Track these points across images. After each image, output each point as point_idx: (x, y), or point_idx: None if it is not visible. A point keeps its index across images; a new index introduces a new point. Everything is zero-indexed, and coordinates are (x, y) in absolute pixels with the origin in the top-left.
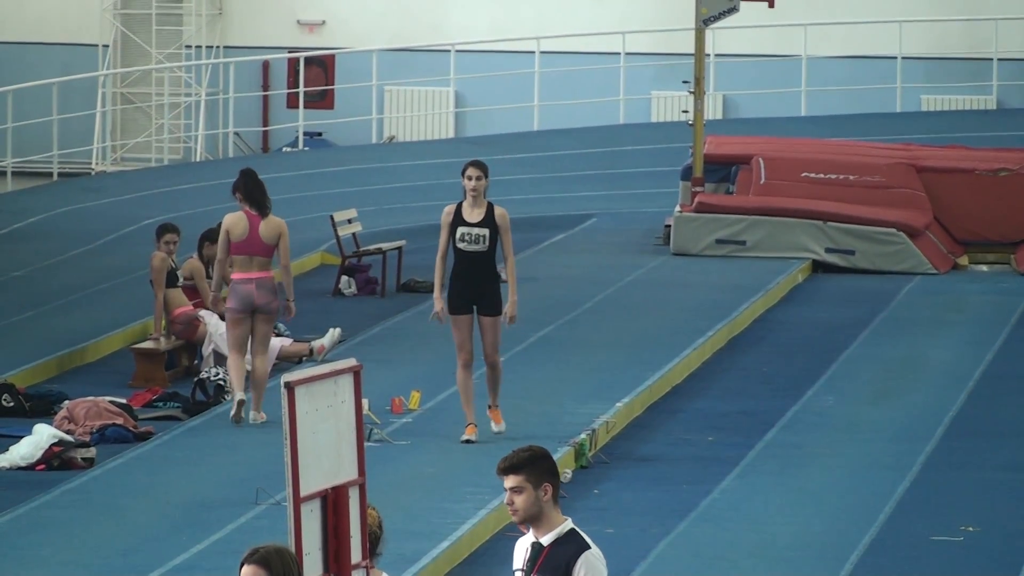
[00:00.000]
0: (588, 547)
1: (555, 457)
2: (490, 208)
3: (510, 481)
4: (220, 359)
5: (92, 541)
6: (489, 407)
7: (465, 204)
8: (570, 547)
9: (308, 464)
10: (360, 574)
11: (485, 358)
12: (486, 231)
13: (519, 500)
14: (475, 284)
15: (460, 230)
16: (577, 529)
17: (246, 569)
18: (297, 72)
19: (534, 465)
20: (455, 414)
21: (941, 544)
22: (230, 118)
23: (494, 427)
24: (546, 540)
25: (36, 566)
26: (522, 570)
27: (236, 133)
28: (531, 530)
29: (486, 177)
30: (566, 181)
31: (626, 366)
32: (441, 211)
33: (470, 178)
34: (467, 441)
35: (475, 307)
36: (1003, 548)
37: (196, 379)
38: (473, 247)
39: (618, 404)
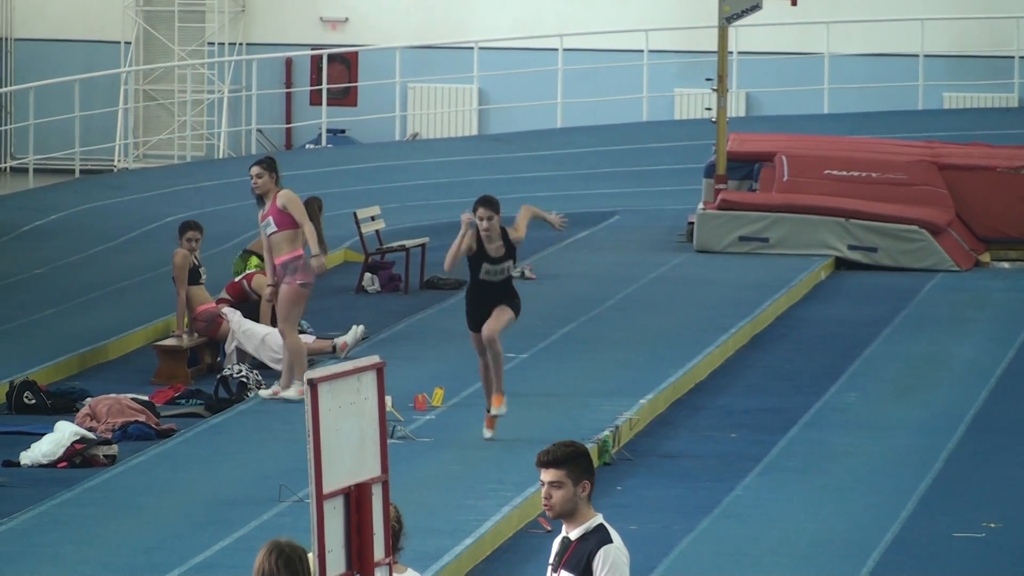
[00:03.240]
0: (610, 541)
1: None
2: (505, 237)
3: (549, 475)
4: (243, 356)
5: (114, 539)
6: (493, 392)
7: (482, 237)
8: (592, 541)
9: (331, 461)
10: (383, 571)
11: (484, 340)
12: (509, 262)
13: (557, 495)
14: (493, 303)
15: (484, 266)
16: (606, 524)
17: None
18: (320, 69)
19: (576, 462)
20: (479, 412)
21: (963, 541)
22: (253, 115)
23: (493, 409)
24: (574, 535)
25: (57, 564)
26: (552, 565)
27: (259, 130)
28: (564, 526)
29: (497, 214)
30: (589, 178)
31: (649, 363)
32: (463, 208)
33: (481, 219)
34: (494, 417)
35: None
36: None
37: (219, 376)
38: (497, 278)
39: (641, 401)
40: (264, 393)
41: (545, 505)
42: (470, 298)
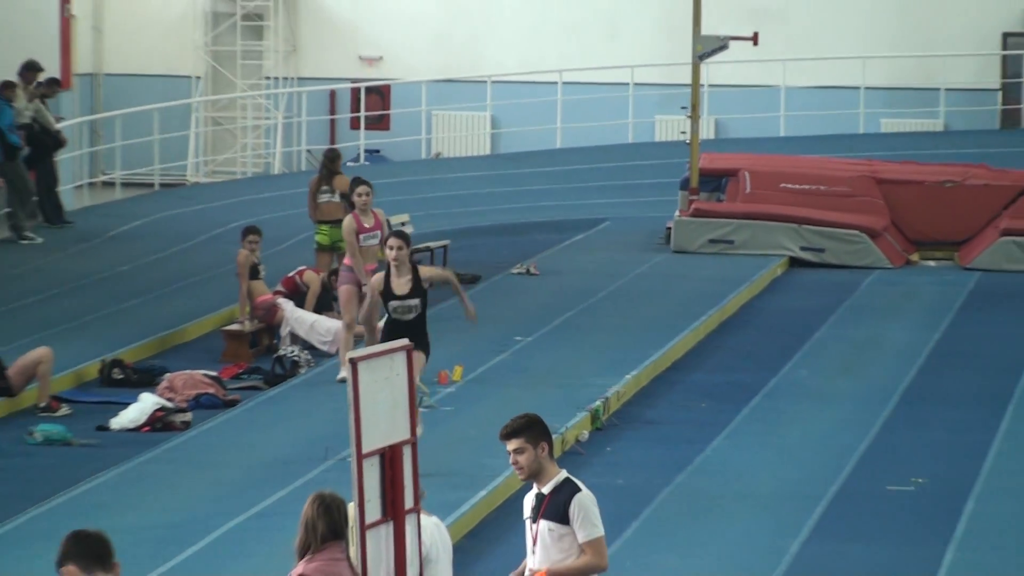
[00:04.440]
0: (579, 490)
1: (574, 421)
2: (415, 274)
3: (512, 444)
4: (295, 339)
5: (188, 491)
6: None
7: (392, 272)
8: (565, 492)
9: (369, 427)
10: (412, 518)
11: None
12: (417, 301)
13: (522, 459)
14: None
15: (392, 303)
16: (572, 478)
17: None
18: (359, 99)
19: (531, 429)
20: (492, 387)
21: (896, 493)
22: (303, 138)
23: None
24: (546, 489)
25: (142, 512)
26: (530, 517)
27: (308, 150)
28: (534, 484)
29: (408, 246)
30: (583, 191)
31: (634, 344)
32: (479, 216)
33: (395, 247)
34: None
35: None
36: (947, 496)
37: (275, 356)
38: (406, 316)
39: (627, 376)
40: (339, 378)
41: (516, 470)
42: (384, 335)
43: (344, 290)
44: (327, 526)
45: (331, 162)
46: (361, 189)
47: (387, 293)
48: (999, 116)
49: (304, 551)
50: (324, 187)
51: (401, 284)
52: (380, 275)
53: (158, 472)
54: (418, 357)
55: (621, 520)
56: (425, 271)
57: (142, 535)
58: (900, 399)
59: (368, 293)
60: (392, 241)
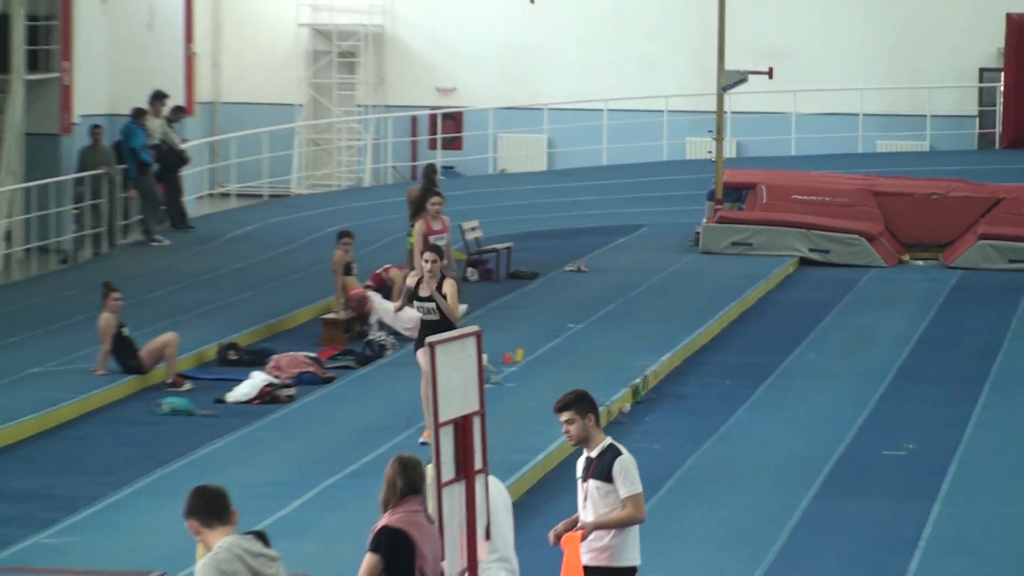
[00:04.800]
0: (621, 454)
1: (616, 397)
2: (441, 283)
3: (564, 416)
4: (383, 326)
5: (292, 454)
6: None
7: (425, 279)
8: (609, 456)
9: (445, 400)
10: (481, 477)
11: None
12: (432, 305)
13: (572, 428)
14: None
15: (416, 303)
16: (615, 443)
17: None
18: (436, 124)
19: (579, 402)
20: (547, 366)
21: (889, 457)
22: (388, 156)
23: (424, 439)
24: (594, 454)
25: (254, 471)
26: (581, 477)
27: (393, 167)
28: (584, 449)
29: (441, 261)
30: (625, 201)
31: (668, 331)
32: (537, 222)
33: (430, 261)
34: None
35: None
36: (934, 459)
37: (366, 340)
38: (428, 317)
39: (662, 358)
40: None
41: (567, 437)
42: (419, 332)
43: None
44: (405, 483)
45: (431, 173)
46: (435, 199)
47: (414, 293)
48: (976, 139)
49: (386, 505)
50: (427, 193)
51: (426, 288)
52: (415, 276)
53: (267, 438)
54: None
55: (657, 479)
56: (446, 287)
57: (254, 491)
58: (893, 377)
59: (402, 286)
60: (428, 255)
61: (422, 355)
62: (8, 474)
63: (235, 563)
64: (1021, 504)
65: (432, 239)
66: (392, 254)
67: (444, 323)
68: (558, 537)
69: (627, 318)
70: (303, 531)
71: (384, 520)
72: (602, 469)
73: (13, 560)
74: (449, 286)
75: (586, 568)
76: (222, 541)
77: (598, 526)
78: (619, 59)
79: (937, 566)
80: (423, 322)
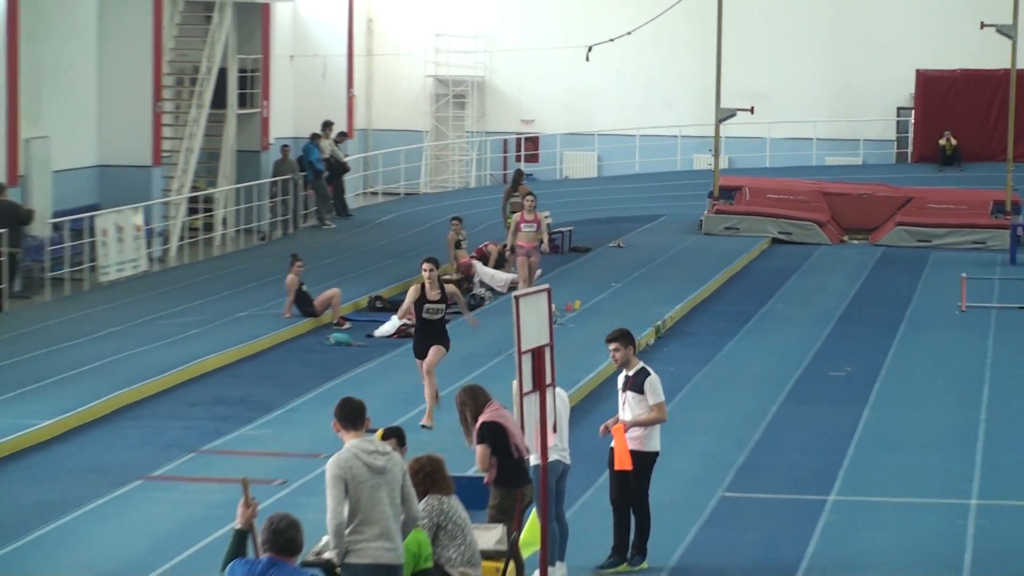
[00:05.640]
0: (650, 373)
1: (644, 333)
2: (442, 286)
3: (612, 345)
4: (482, 285)
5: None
6: (429, 409)
7: (426, 285)
8: (642, 374)
9: (525, 335)
10: (550, 389)
11: (424, 370)
12: (443, 306)
13: (618, 355)
14: (432, 340)
15: (426, 306)
16: (646, 366)
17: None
18: (520, 144)
19: (624, 336)
20: (597, 312)
21: (833, 377)
22: (487, 166)
23: (424, 421)
24: (631, 373)
25: (393, 384)
26: (620, 389)
27: (490, 174)
28: (624, 369)
29: (437, 268)
30: (651, 198)
31: (679, 288)
32: (590, 212)
33: (427, 270)
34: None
35: (430, 347)
36: (865, 378)
37: (471, 294)
38: (435, 316)
39: (676, 307)
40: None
41: (613, 361)
42: (417, 333)
43: (520, 260)
44: (475, 400)
45: (519, 176)
46: (530, 197)
47: (422, 299)
48: (895, 156)
49: (465, 424)
50: (514, 193)
51: (432, 294)
52: (418, 287)
53: (401, 362)
54: (438, 350)
55: (673, 392)
56: (449, 288)
57: (393, 399)
58: (837, 321)
59: (410, 298)
60: (425, 265)
61: (433, 353)
62: (223, 386)
63: (352, 460)
64: (926, 409)
65: (524, 227)
66: (489, 234)
67: (443, 323)
68: (607, 430)
69: (651, 279)
70: (441, 423)
71: (482, 418)
72: (637, 384)
73: (227, 446)
74: (451, 288)
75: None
76: (349, 442)
77: (634, 423)
78: (646, 100)
79: (867, 453)
80: (426, 321)
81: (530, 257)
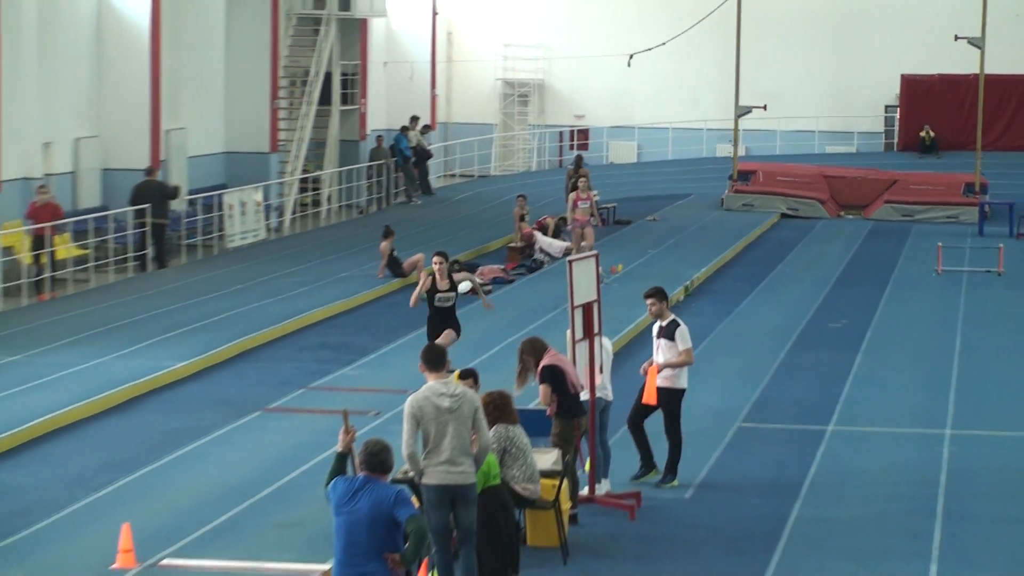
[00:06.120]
0: (680, 324)
1: (675, 291)
2: (451, 277)
3: (650, 300)
4: (542, 251)
5: (491, 320)
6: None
7: (436, 276)
8: (673, 324)
9: (577, 293)
10: (597, 338)
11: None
12: (452, 294)
13: (654, 308)
14: (442, 326)
15: (436, 295)
16: (677, 318)
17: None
18: (573, 134)
19: (660, 292)
20: (636, 274)
21: (834, 328)
22: (546, 153)
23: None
24: (664, 323)
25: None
26: (655, 336)
27: (549, 160)
28: (658, 320)
29: (447, 261)
30: (682, 180)
31: (704, 254)
32: (631, 191)
33: (438, 263)
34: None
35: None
36: (858, 328)
37: (532, 259)
38: (446, 304)
39: (702, 269)
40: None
41: (651, 314)
42: (429, 319)
43: (575, 232)
44: (534, 348)
45: (579, 161)
46: (583, 179)
47: (433, 288)
48: (883, 145)
49: (522, 369)
50: (575, 175)
51: (443, 284)
52: (430, 278)
53: (473, 314)
54: (449, 334)
55: (699, 339)
56: (457, 276)
57: (472, 342)
58: (834, 282)
59: (420, 280)
60: (436, 258)
61: (444, 337)
62: (326, 334)
63: (423, 400)
64: (908, 355)
65: (580, 204)
66: (548, 209)
67: (453, 310)
68: (645, 370)
69: (681, 247)
70: (500, 365)
71: (543, 363)
72: (669, 332)
73: (330, 383)
74: (461, 276)
75: (658, 388)
76: (427, 384)
77: (666, 365)
78: (677, 98)
79: (859, 391)
80: (439, 309)
81: (584, 229)
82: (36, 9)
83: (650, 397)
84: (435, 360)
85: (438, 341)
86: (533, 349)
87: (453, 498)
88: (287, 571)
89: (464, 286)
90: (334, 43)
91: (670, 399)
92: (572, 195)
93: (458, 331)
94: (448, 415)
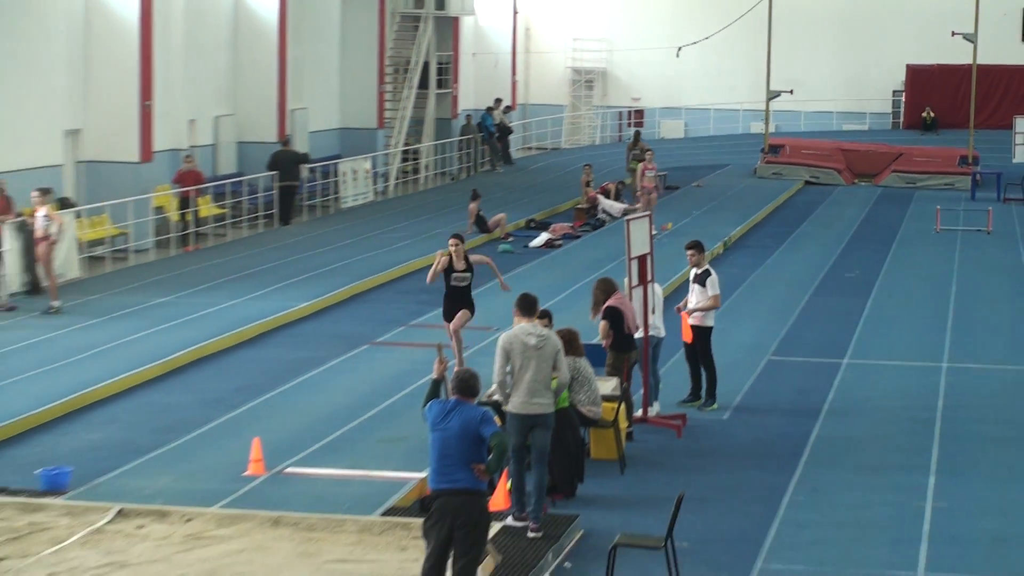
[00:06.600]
0: (711, 273)
1: (715, 246)
2: (467, 258)
3: (690, 252)
4: (604, 212)
5: (563, 270)
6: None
7: (453, 257)
8: (707, 273)
9: (634, 247)
10: (650, 284)
11: (451, 331)
12: (468, 275)
13: (693, 258)
14: (458, 305)
15: (453, 275)
16: (710, 268)
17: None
18: (631, 114)
19: (699, 245)
20: (682, 231)
21: (848, 278)
22: (608, 130)
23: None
24: (700, 271)
25: (546, 279)
26: (691, 281)
27: (610, 135)
28: (695, 268)
29: (462, 243)
30: (721, 152)
31: (738, 216)
32: (679, 161)
33: (454, 245)
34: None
35: (457, 311)
36: (869, 277)
37: (595, 218)
38: (461, 284)
39: (737, 227)
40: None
41: (690, 264)
42: (445, 298)
43: (644, 197)
44: (603, 290)
45: (637, 136)
46: (650, 152)
47: (449, 268)
48: (891, 124)
49: (596, 305)
50: (634, 147)
51: (459, 264)
52: (447, 258)
53: (551, 263)
54: (464, 314)
55: (735, 285)
56: (473, 257)
57: (541, 289)
58: (849, 239)
59: (434, 268)
60: (452, 240)
61: (459, 316)
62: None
63: (514, 338)
64: (911, 300)
65: (648, 173)
66: (609, 176)
67: (468, 289)
68: (678, 311)
69: (720, 209)
70: (571, 306)
71: (607, 304)
72: (703, 279)
73: (427, 321)
74: (477, 257)
75: (691, 327)
76: (520, 325)
77: (697, 308)
78: (718, 84)
79: (870, 330)
80: (454, 288)
81: (651, 194)
82: (183, 9)
83: (687, 335)
84: (527, 307)
85: (453, 322)
86: (604, 288)
87: (532, 425)
88: (390, 478)
89: (541, 239)
90: (431, 37)
91: (700, 336)
92: (640, 165)
93: (472, 310)
94: (533, 352)
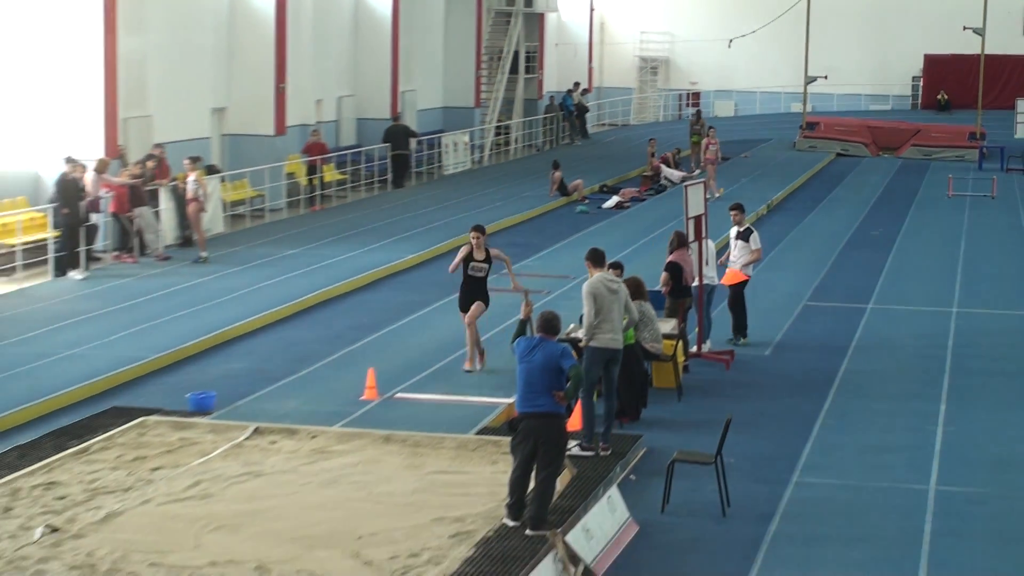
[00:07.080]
0: (753, 231)
1: (760, 207)
2: (487, 250)
3: (733, 212)
4: (667, 179)
5: (631, 228)
6: (468, 357)
7: (474, 248)
8: (748, 231)
9: (691, 208)
10: (705, 240)
11: (466, 323)
12: (486, 266)
13: (736, 217)
14: (474, 297)
15: (472, 264)
16: (751, 226)
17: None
18: (689, 96)
19: (740, 207)
20: (734, 196)
21: (873, 235)
22: (670, 109)
23: (467, 366)
24: (742, 229)
25: (618, 236)
26: (734, 238)
27: (672, 113)
28: (738, 227)
29: (483, 235)
30: (765, 128)
31: (777, 184)
32: (730, 135)
33: (475, 237)
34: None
35: (472, 303)
36: (889, 237)
37: (659, 184)
38: (479, 274)
39: (778, 193)
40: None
41: (734, 222)
42: (462, 288)
43: (709, 169)
44: (682, 236)
45: (699, 114)
46: (712, 128)
47: (469, 258)
48: (911, 105)
49: (670, 249)
50: (696, 124)
51: (479, 255)
52: (468, 248)
53: (620, 223)
54: (479, 306)
55: (776, 241)
56: (493, 251)
57: (611, 246)
58: (875, 202)
59: (459, 258)
60: (473, 233)
61: (475, 308)
62: (512, 236)
63: (599, 284)
64: (926, 254)
65: (711, 147)
66: (670, 147)
67: (485, 280)
68: (722, 263)
69: (764, 177)
70: (639, 259)
71: (670, 258)
72: (746, 236)
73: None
74: (496, 253)
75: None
76: (599, 274)
77: (739, 262)
78: (763, 70)
79: (891, 279)
80: (471, 278)
81: (712, 166)
82: (312, 5)
83: (728, 279)
84: (598, 259)
85: (469, 313)
86: (677, 239)
87: (610, 358)
88: (483, 403)
89: (612, 201)
90: (520, 30)
91: (740, 284)
92: (704, 140)
93: (487, 302)
94: (613, 296)
